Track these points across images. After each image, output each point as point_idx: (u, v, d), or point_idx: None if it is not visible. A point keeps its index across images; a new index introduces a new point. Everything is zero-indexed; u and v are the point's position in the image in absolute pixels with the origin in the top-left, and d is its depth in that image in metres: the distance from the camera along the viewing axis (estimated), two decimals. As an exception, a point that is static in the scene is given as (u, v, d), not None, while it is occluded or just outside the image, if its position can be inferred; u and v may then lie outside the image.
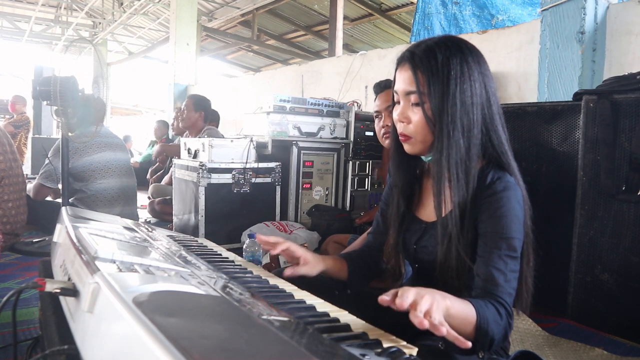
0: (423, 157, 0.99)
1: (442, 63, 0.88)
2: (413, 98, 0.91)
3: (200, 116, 3.48)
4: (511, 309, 0.84)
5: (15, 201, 2.29)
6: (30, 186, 2.77)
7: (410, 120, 0.92)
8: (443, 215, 0.92)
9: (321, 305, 0.84)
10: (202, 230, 2.51)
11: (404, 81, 0.92)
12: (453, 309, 0.74)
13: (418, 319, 0.65)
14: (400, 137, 0.96)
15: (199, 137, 3.04)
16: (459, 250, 0.89)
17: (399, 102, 0.95)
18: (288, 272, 0.99)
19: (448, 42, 0.91)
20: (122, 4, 9.90)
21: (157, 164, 4.22)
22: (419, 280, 1.07)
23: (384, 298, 0.69)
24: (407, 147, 0.96)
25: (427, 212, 1.04)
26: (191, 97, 3.54)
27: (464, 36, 3.46)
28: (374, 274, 1.17)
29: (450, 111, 0.87)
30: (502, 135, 0.94)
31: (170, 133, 5.88)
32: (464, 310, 0.77)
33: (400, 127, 0.95)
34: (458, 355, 0.82)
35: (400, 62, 0.94)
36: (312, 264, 1.01)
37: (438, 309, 0.69)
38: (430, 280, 1.00)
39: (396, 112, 0.95)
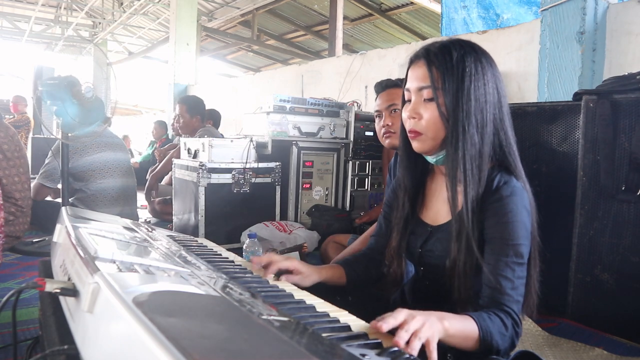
0: (430, 158, 0.98)
1: (457, 60, 0.88)
2: (426, 93, 0.90)
3: (197, 120, 3.49)
4: (519, 317, 0.84)
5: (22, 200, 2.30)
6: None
7: (421, 116, 0.91)
8: (456, 212, 0.91)
9: (321, 305, 0.84)
10: (202, 230, 2.51)
11: (417, 78, 0.92)
12: (452, 329, 0.74)
13: (401, 339, 0.65)
14: (409, 134, 0.95)
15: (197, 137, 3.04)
16: (471, 247, 0.88)
17: (409, 101, 0.94)
18: (282, 278, 1.00)
19: (462, 42, 0.92)
20: (122, 4, 9.90)
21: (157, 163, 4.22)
22: (424, 283, 1.07)
23: (377, 324, 0.69)
24: (416, 145, 0.95)
25: (432, 215, 1.03)
26: (184, 103, 3.54)
27: (463, 36, 3.46)
28: (375, 278, 1.16)
29: (465, 107, 0.87)
30: (511, 138, 0.94)
31: (170, 133, 5.88)
32: (465, 328, 0.77)
33: (410, 124, 0.93)
34: None
35: (414, 59, 0.94)
36: (304, 275, 1.01)
37: (431, 329, 0.69)
38: (436, 283, 1.00)
39: (407, 110, 0.94)
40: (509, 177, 0.90)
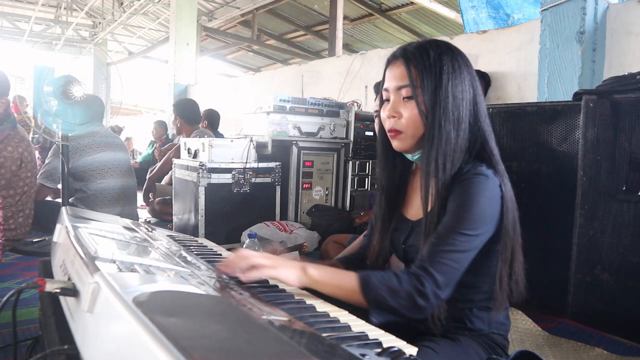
0: (409, 156, 1.00)
1: (435, 59, 0.91)
2: (405, 92, 0.92)
3: (180, 122, 3.48)
4: (432, 278, 0.82)
5: (21, 204, 2.29)
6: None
7: (401, 115, 0.93)
8: (429, 209, 0.92)
9: (321, 305, 0.84)
10: (202, 230, 2.51)
11: (395, 77, 0.94)
12: (318, 276, 0.84)
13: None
14: (389, 134, 0.97)
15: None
16: None
17: (387, 100, 0.96)
18: None
19: (438, 42, 0.95)
20: (122, 4, 9.90)
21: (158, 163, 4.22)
22: None
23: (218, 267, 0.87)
24: (396, 144, 0.97)
25: (413, 211, 1.04)
26: (174, 111, 3.56)
27: (464, 36, 3.46)
28: None
29: (443, 103, 0.89)
30: (487, 132, 0.95)
31: (170, 133, 5.88)
32: (336, 277, 0.86)
33: (390, 123, 0.95)
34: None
35: (392, 60, 0.96)
36: None
37: (274, 268, 0.84)
38: None
39: (385, 109, 0.96)
40: (481, 165, 0.91)
